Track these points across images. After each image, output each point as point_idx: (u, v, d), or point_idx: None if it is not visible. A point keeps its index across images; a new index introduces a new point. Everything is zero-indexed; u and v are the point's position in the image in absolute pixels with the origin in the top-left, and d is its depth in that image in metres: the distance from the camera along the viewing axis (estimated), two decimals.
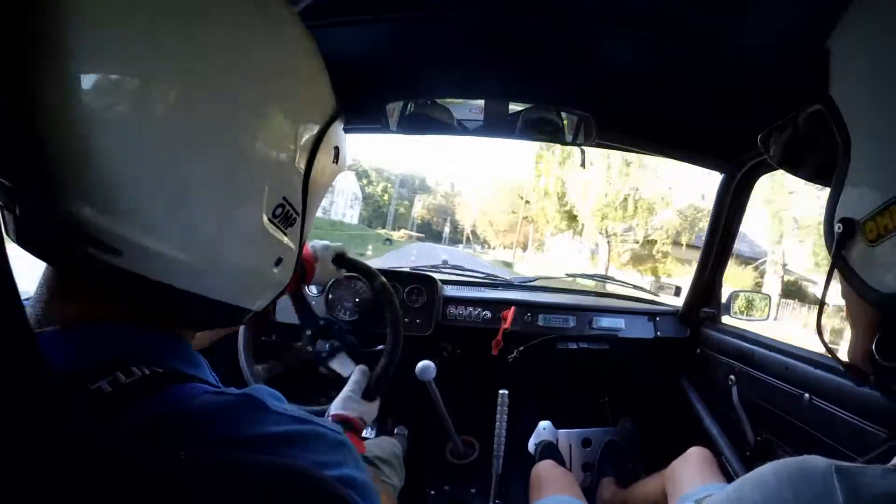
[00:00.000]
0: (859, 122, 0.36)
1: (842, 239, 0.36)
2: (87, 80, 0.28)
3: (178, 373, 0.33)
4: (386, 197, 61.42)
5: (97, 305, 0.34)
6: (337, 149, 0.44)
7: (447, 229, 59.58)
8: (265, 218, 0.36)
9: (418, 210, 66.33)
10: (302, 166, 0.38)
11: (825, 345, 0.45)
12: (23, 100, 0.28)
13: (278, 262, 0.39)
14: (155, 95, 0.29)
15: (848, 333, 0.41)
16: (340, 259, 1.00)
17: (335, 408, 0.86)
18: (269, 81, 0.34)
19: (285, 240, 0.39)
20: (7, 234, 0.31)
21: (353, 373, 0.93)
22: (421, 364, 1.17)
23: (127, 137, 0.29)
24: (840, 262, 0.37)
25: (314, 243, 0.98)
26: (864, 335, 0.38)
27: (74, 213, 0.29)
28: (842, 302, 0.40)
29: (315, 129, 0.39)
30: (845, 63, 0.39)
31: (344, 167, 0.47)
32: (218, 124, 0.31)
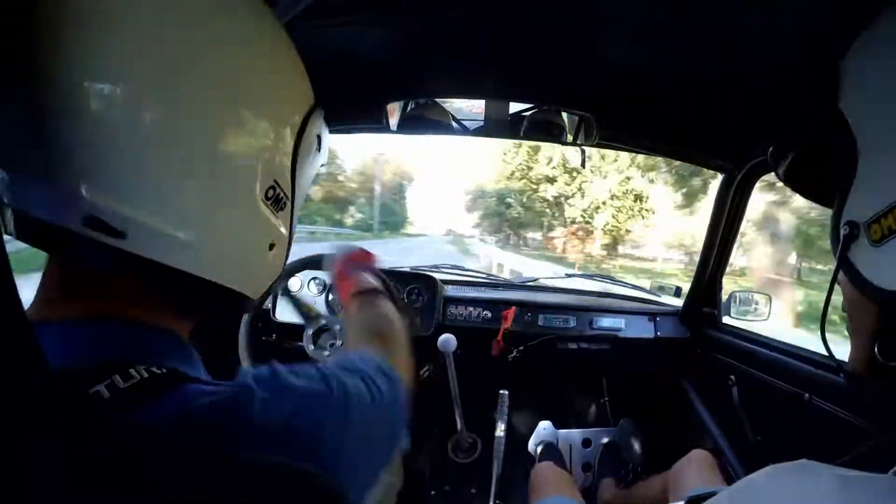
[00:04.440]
0: (867, 133, 0.38)
1: (847, 241, 0.38)
2: (88, 85, 0.29)
3: (177, 373, 0.33)
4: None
5: (98, 300, 0.34)
6: (319, 137, 0.46)
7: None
8: (259, 198, 0.37)
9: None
10: (289, 151, 0.40)
11: (829, 351, 0.45)
12: (30, 98, 0.29)
13: (271, 246, 0.41)
14: (151, 96, 0.31)
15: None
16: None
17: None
18: (248, 78, 0.36)
19: (277, 224, 0.40)
20: (6, 230, 0.31)
21: None
22: (443, 336, 1.21)
23: (129, 130, 0.30)
24: (845, 265, 0.38)
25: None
26: (867, 339, 0.38)
27: (81, 197, 0.30)
28: None
29: (297, 118, 0.41)
30: (860, 78, 0.40)
31: (325, 157, 0.50)
32: (211, 114, 0.33)
